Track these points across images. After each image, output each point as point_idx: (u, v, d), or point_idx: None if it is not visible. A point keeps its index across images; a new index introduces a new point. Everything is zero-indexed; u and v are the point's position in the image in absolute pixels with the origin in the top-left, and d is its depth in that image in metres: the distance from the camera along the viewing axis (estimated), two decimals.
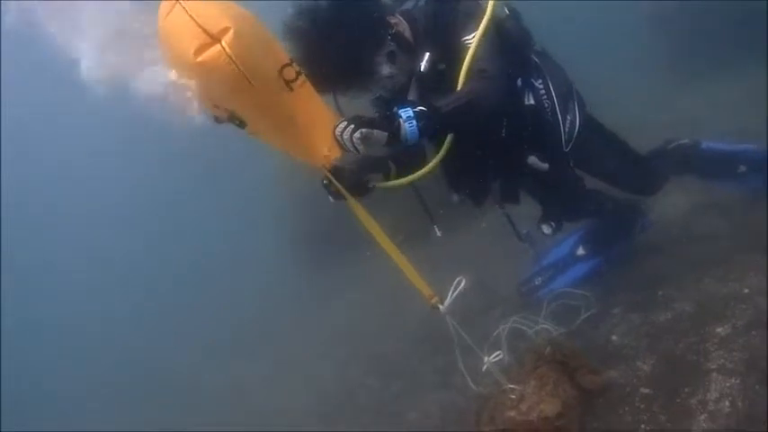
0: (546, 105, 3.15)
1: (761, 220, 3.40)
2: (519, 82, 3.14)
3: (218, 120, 2.41)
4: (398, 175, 2.95)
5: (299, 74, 2.40)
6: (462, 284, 2.72)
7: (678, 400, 2.55)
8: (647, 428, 2.52)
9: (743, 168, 3.57)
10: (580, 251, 3.92)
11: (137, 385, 7.93)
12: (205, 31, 2.12)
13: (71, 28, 2.07)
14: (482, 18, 2.83)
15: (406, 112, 2.49)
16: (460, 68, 2.76)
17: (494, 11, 2.88)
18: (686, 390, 2.57)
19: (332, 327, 6.27)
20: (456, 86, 2.77)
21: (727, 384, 2.47)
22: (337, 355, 5.47)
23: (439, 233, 3.11)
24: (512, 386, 2.81)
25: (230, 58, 2.14)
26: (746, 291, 2.95)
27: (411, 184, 3.01)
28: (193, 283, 11.96)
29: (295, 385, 5.43)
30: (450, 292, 2.73)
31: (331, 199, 2.75)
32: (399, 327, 5.08)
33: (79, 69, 2.09)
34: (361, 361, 5.08)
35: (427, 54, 2.87)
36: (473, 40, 2.79)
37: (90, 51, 2.08)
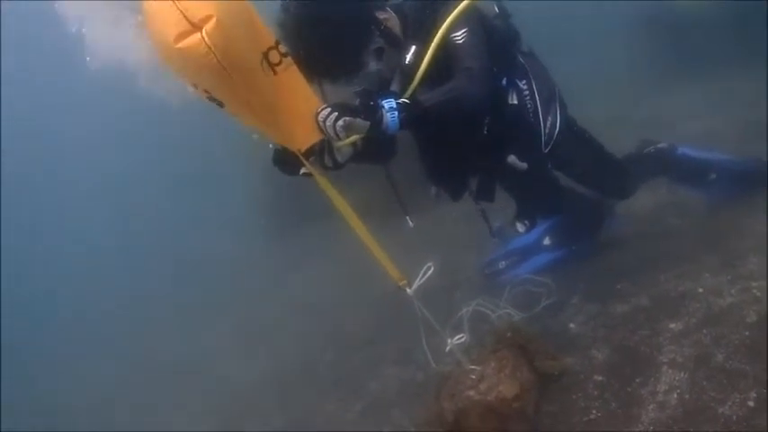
0: (529, 106, 3.19)
1: (720, 223, 3.54)
2: (504, 81, 3.17)
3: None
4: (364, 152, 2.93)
5: (284, 56, 2.36)
6: (431, 271, 2.79)
7: (629, 389, 2.68)
8: (599, 414, 2.65)
9: (713, 176, 3.69)
10: (546, 241, 4.02)
11: (94, 351, 7.87)
12: (186, 18, 2.06)
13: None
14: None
15: (388, 103, 2.51)
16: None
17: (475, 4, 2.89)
18: (637, 380, 2.70)
19: (294, 298, 6.28)
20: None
21: (677, 378, 2.60)
22: (298, 327, 5.49)
23: (411, 224, 3.16)
24: (472, 366, 2.91)
25: (209, 48, 2.08)
26: (701, 290, 3.08)
27: (388, 176, 3.18)
28: (155, 251, 11.80)
29: (254, 355, 5.44)
30: (419, 277, 2.79)
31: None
32: (362, 302, 5.13)
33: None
34: (321, 334, 5.11)
35: (413, 47, 2.87)
36: (461, 36, 2.82)
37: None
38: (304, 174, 2.65)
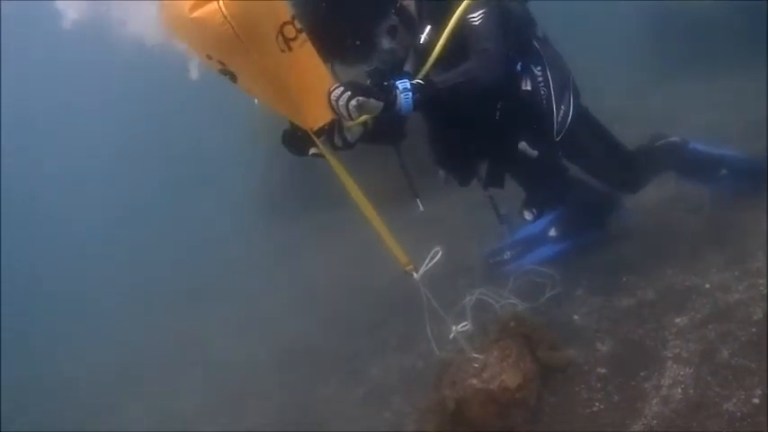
0: (542, 93, 3.13)
1: (729, 220, 3.51)
2: (518, 66, 3.12)
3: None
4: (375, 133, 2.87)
5: (299, 32, 2.35)
6: (439, 255, 2.77)
7: (633, 383, 2.67)
8: (601, 406, 2.64)
9: (724, 172, 3.64)
10: (552, 232, 3.99)
11: (98, 326, 7.86)
12: None
13: None
14: None
15: (403, 84, 2.49)
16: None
17: None
18: (642, 374, 2.69)
19: (296, 281, 6.27)
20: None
21: (681, 373, 2.59)
22: (300, 312, 5.47)
23: (421, 207, 3.13)
24: (475, 355, 2.89)
25: (225, 17, 2.08)
26: (708, 286, 3.07)
27: (397, 155, 3.13)
28: (156, 236, 11.77)
29: (255, 338, 5.42)
30: (426, 262, 2.77)
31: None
32: (365, 287, 5.12)
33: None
34: (323, 318, 5.10)
35: (428, 27, 2.83)
36: (478, 18, 2.79)
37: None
38: (313, 154, 2.62)
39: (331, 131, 2.60)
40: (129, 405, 5.47)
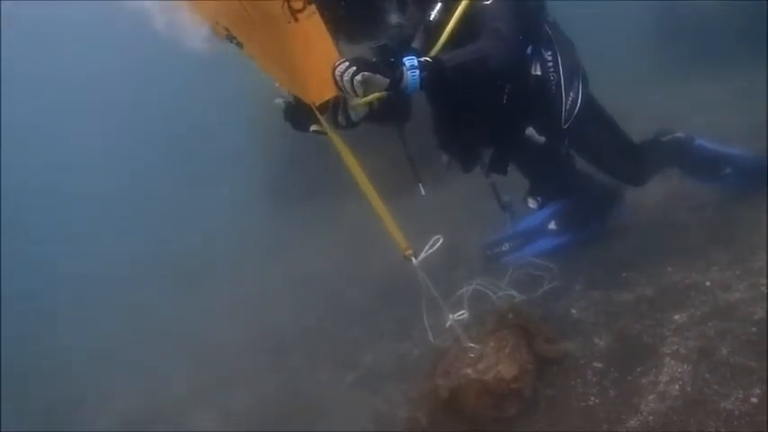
0: (552, 78, 3.07)
1: (732, 218, 3.48)
2: (529, 50, 3.07)
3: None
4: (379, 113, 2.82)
5: (307, 3, 2.31)
6: (439, 243, 2.73)
7: (629, 378, 2.64)
8: (597, 401, 2.61)
9: (728, 170, 3.60)
10: (552, 225, 3.96)
11: (97, 307, 7.85)
12: None
13: None
14: None
15: (410, 61, 2.44)
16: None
17: None
18: (638, 369, 2.66)
19: (294, 267, 6.24)
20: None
21: (679, 369, 2.55)
22: (297, 297, 5.46)
23: (423, 192, 3.08)
24: (472, 344, 2.86)
25: None
26: (708, 284, 3.03)
27: (401, 139, 3.08)
28: (158, 214, 11.75)
29: (251, 322, 5.41)
30: (426, 248, 2.73)
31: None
32: (362, 275, 5.10)
33: None
34: (319, 304, 5.09)
35: (439, 4, 2.78)
36: None
37: None
38: (315, 131, 2.57)
39: (335, 109, 2.55)
40: (121, 388, 5.45)
